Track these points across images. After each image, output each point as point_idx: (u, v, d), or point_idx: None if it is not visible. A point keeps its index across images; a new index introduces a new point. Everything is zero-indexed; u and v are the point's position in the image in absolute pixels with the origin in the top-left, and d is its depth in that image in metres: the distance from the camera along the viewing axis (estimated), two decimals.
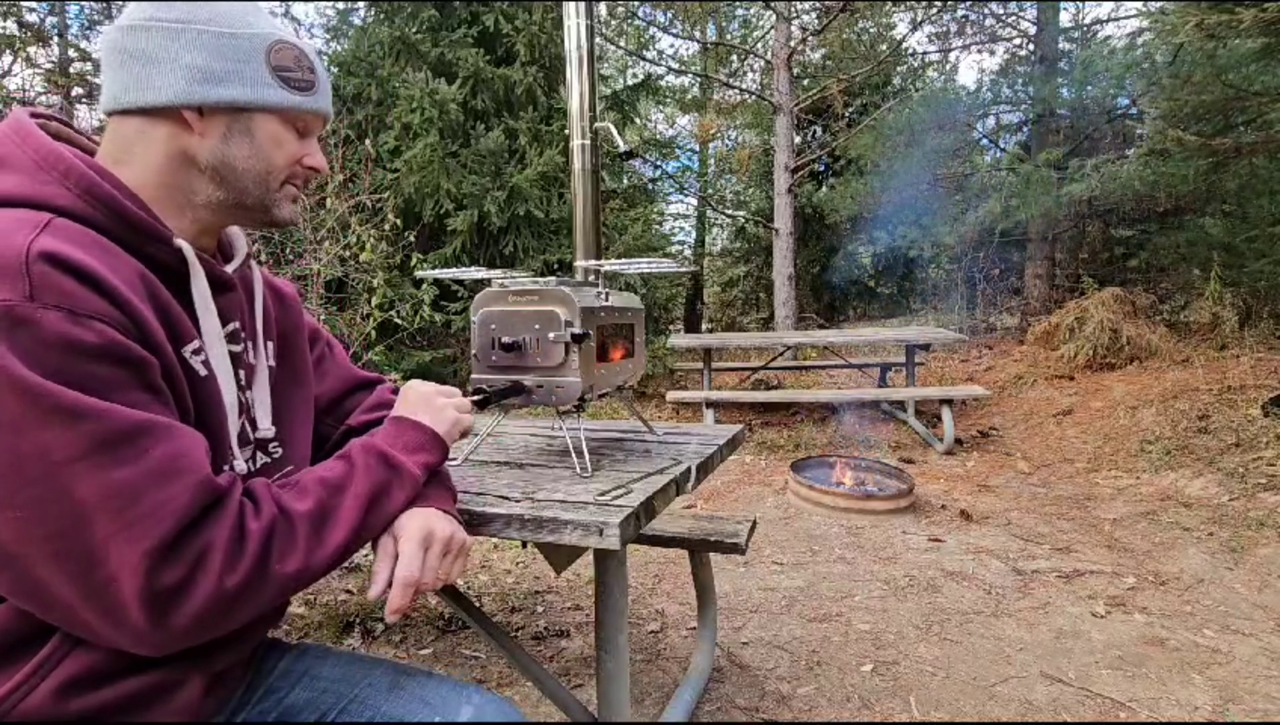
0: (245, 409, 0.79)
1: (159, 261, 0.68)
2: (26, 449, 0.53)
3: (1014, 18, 8.75)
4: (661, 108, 12.41)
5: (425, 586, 0.76)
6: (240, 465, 0.75)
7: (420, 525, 0.77)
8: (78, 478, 0.54)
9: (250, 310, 0.82)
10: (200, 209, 0.74)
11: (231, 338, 0.77)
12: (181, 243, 0.69)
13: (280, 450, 0.84)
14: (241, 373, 0.79)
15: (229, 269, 0.79)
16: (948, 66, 10.44)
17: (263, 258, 3.38)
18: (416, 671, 0.87)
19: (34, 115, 0.70)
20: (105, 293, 0.58)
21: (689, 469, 1.20)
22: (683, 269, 1.44)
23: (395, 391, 1.02)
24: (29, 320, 0.53)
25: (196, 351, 0.69)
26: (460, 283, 5.67)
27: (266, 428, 0.81)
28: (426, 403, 0.88)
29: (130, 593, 0.55)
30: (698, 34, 9.96)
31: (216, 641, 0.72)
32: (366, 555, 2.80)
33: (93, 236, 0.62)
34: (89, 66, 9.36)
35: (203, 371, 0.70)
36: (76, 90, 9.00)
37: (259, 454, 0.81)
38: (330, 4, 7.04)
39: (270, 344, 0.86)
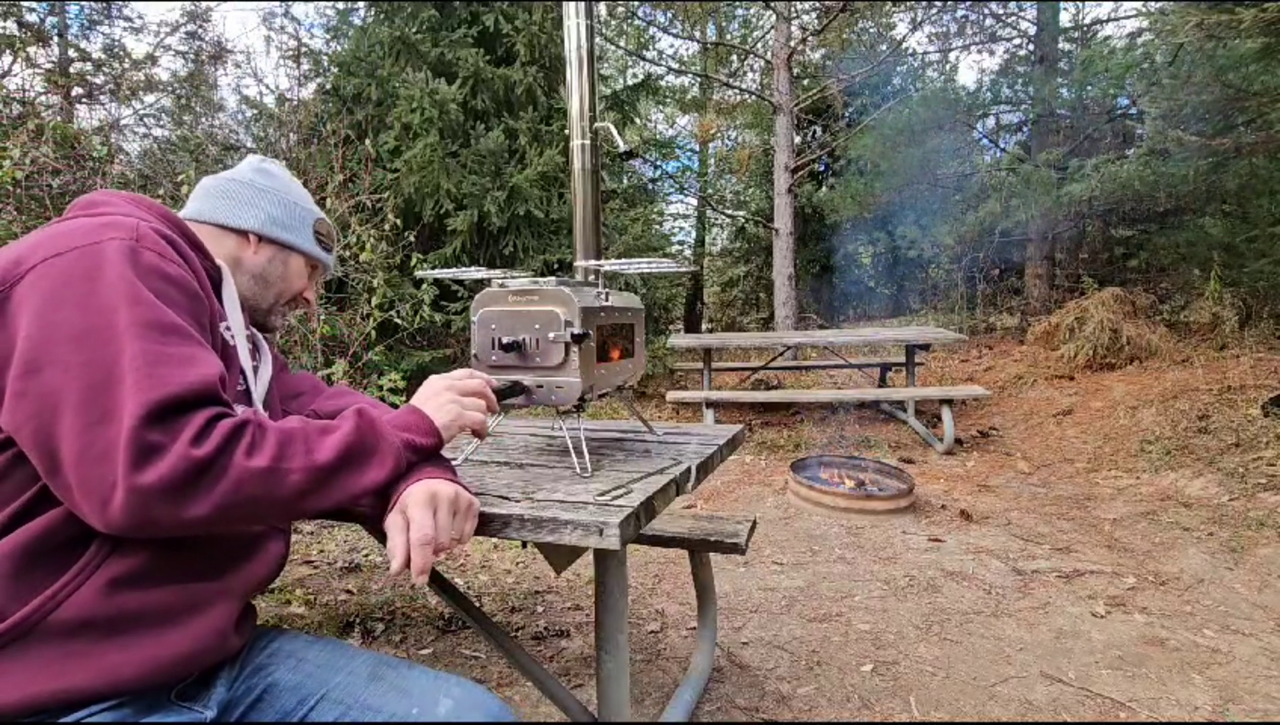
0: (251, 394, 0.95)
1: (205, 270, 0.90)
2: (101, 323, 0.68)
3: (1014, 18, 8.75)
4: (661, 108, 12.41)
5: (442, 546, 0.81)
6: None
7: (423, 489, 0.83)
8: (125, 345, 0.68)
9: (255, 336, 1.05)
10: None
11: (248, 339, 0.98)
12: (221, 262, 0.95)
13: None
14: (257, 365, 0.98)
15: None
16: (948, 66, 10.43)
17: None
18: (398, 663, 0.90)
19: None
20: (185, 258, 0.83)
21: (689, 469, 1.20)
22: (683, 269, 1.44)
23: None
24: (137, 251, 0.75)
25: (227, 328, 0.90)
26: (460, 283, 5.67)
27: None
28: (433, 396, 0.96)
29: (125, 436, 0.64)
30: (698, 34, 9.96)
31: (234, 561, 0.83)
32: (367, 555, 2.80)
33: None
34: (89, 66, 9.35)
35: (231, 342, 0.90)
36: (76, 90, 9.00)
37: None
38: (330, 4, 7.04)
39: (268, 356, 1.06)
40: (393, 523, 0.81)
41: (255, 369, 0.98)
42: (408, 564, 0.79)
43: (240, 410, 0.85)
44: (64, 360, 0.66)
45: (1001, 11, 8.88)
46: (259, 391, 0.96)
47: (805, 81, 10.58)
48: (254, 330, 1.03)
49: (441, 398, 0.95)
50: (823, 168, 11.53)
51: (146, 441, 0.64)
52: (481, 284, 1.21)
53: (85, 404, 0.65)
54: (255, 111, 6.69)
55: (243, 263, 1.01)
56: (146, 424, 0.64)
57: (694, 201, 12.44)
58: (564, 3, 1.43)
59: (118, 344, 0.67)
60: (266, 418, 0.77)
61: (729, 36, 10.84)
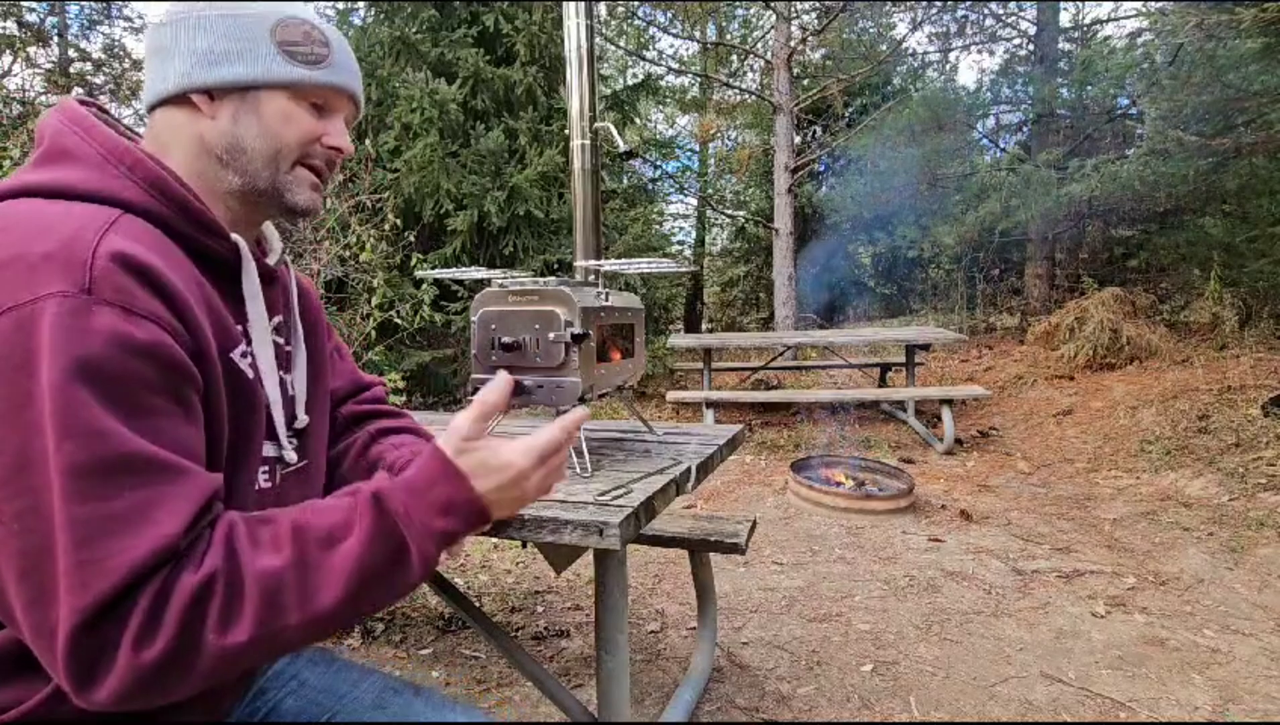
0: (288, 401, 0.78)
1: (212, 256, 0.68)
2: (36, 455, 0.51)
3: (1014, 18, 8.75)
4: (661, 108, 12.41)
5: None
6: (290, 454, 0.75)
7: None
8: (58, 502, 0.51)
9: (288, 303, 0.82)
10: (228, 199, 0.73)
11: (276, 331, 0.77)
12: (236, 237, 0.70)
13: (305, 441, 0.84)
14: (283, 364, 0.79)
15: (272, 260, 0.79)
16: (948, 66, 10.44)
17: None
18: (404, 686, 0.86)
19: (81, 103, 0.70)
20: (164, 296, 0.58)
21: (689, 469, 1.20)
22: (683, 269, 1.44)
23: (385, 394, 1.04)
24: (87, 315, 0.53)
25: (244, 354, 0.68)
26: (460, 283, 5.67)
27: (303, 419, 0.79)
28: (512, 485, 0.68)
29: (60, 648, 0.50)
30: (698, 34, 9.95)
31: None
32: None
33: (156, 235, 0.62)
34: (89, 66, 9.36)
35: (249, 373, 0.68)
36: (76, 90, 9.00)
37: (294, 440, 0.79)
38: (330, 4, 7.04)
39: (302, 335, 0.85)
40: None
41: (290, 368, 0.79)
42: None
43: (262, 472, 0.70)
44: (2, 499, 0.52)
45: (1001, 11, 8.88)
46: (298, 412, 0.78)
47: (805, 81, 10.57)
48: (286, 314, 0.81)
49: (522, 494, 0.69)
50: (823, 168, 11.53)
51: (85, 655, 0.50)
52: (481, 284, 1.21)
53: (25, 573, 0.51)
54: None
55: (207, 142, 0.70)
56: (82, 635, 0.50)
57: (694, 201, 12.44)
58: (564, 2, 1.43)
59: (50, 495, 0.51)
60: (241, 543, 0.57)
61: (729, 36, 10.84)
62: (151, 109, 0.71)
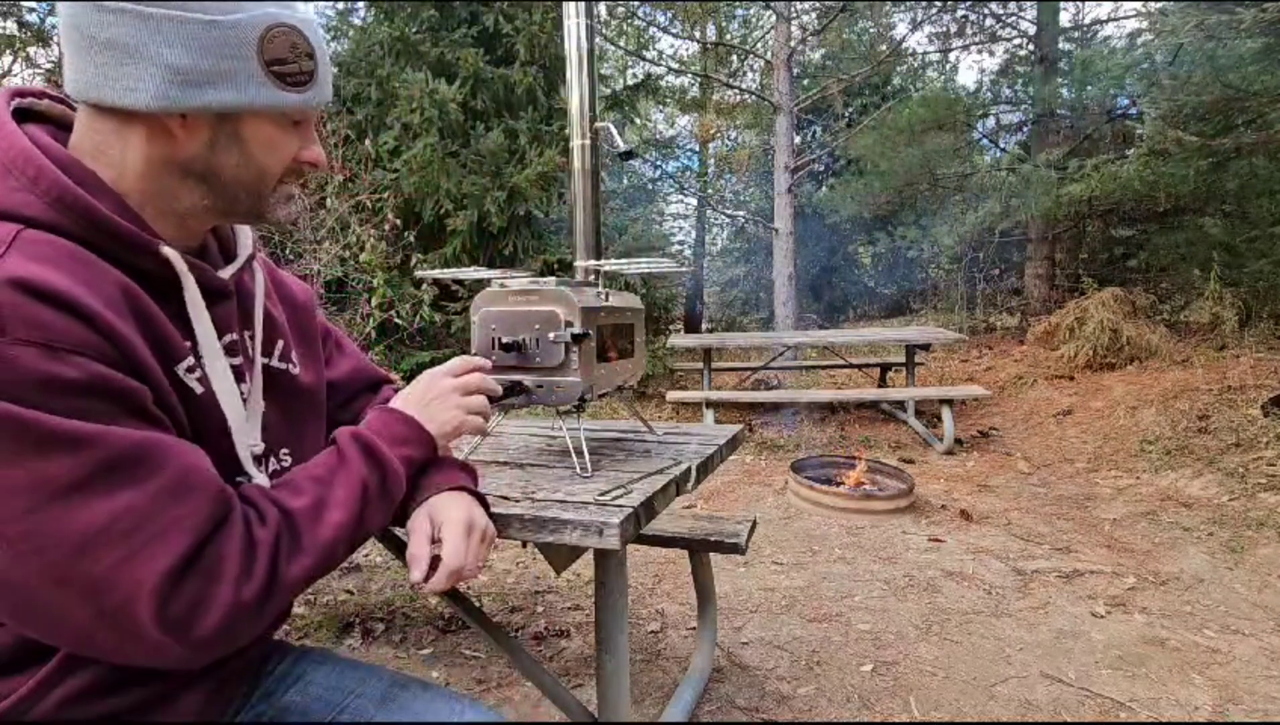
0: (263, 426, 0.76)
1: (143, 271, 0.62)
2: (18, 481, 0.50)
3: (1014, 18, 8.75)
4: (661, 108, 12.40)
5: (467, 574, 0.77)
6: (261, 479, 0.73)
7: (464, 515, 0.78)
8: (78, 507, 0.51)
9: (247, 315, 0.77)
10: (186, 214, 0.68)
11: (229, 349, 0.71)
12: (169, 251, 0.63)
13: (289, 459, 0.82)
14: (244, 387, 0.74)
15: (226, 273, 0.73)
16: (948, 66, 10.45)
17: None
18: (411, 682, 0.85)
19: (18, 93, 0.66)
20: (84, 318, 0.53)
21: (689, 469, 1.20)
22: (683, 269, 1.44)
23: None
24: (1, 358, 0.48)
25: (190, 369, 0.65)
26: (460, 283, 5.67)
27: (256, 442, 0.75)
28: (436, 397, 0.84)
29: (147, 615, 0.53)
30: (697, 34, 9.96)
31: None
32: (367, 555, 2.80)
33: (67, 249, 0.56)
34: None
35: (199, 388, 0.65)
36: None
37: (270, 461, 0.79)
38: (330, 4, 7.04)
39: (281, 345, 0.82)
40: (419, 528, 0.76)
41: (251, 389, 0.75)
42: (425, 579, 0.74)
43: (259, 476, 0.72)
44: None
45: (1001, 11, 8.87)
46: (249, 439, 0.72)
47: (805, 81, 10.58)
48: (242, 328, 0.75)
49: (446, 402, 0.84)
50: (823, 168, 11.53)
51: (180, 605, 0.56)
52: (481, 284, 1.20)
53: (64, 582, 0.53)
54: None
55: (172, 162, 0.64)
56: (171, 591, 0.55)
57: (694, 201, 12.44)
58: (564, 3, 1.43)
59: (59, 507, 0.52)
60: (280, 495, 0.66)
61: (729, 36, 10.83)
62: (94, 107, 0.62)
